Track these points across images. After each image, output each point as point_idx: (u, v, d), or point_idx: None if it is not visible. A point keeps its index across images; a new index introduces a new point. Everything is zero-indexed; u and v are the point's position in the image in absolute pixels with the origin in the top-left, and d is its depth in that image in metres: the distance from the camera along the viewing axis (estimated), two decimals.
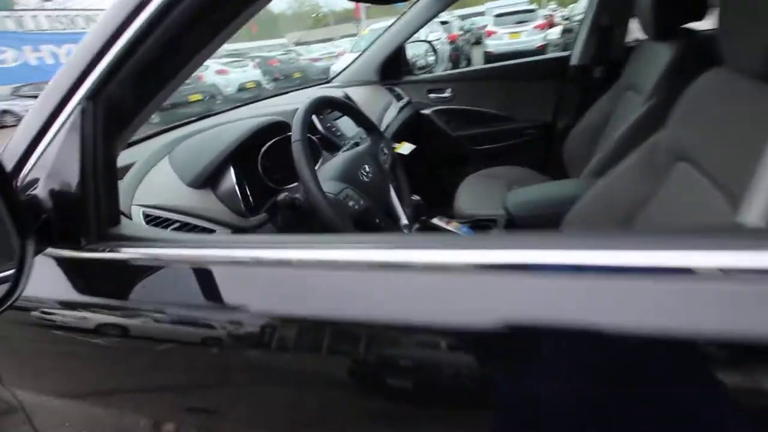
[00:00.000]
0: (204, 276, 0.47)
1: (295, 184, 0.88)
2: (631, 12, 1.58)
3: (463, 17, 13.33)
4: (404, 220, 0.93)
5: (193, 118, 1.33)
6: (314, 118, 1.16)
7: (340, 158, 0.85)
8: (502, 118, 1.89)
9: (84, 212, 0.54)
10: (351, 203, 0.76)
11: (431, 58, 2.20)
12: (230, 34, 0.50)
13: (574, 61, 1.68)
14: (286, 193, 0.79)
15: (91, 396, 0.63)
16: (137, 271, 0.52)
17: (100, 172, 0.54)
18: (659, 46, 1.23)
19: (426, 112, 1.89)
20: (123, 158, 0.90)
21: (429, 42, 2.07)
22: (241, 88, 11.46)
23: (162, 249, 0.52)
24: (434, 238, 0.43)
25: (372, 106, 1.64)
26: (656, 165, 0.81)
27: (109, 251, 0.54)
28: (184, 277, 0.49)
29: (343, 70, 1.88)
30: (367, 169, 0.86)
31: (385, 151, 0.95)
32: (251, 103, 1.49)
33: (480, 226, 1.35)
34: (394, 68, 1.89)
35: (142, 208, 0.70)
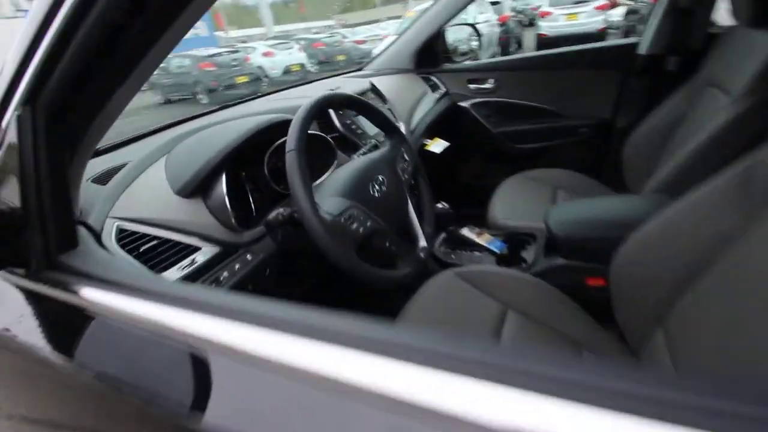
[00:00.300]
0: (139, 343, 0.37)
1: None
2: None
3: None
4: (422, 242, 0.79)
5: (210, 109, 1.25)
6: (332, 114, 1.04)
7: (350, 168, 0.73)
8: (551, 114, 1.68)
9: (28, 234, 0.46)
10: (355, 225, 0.64)
11: (474, 44, 2.00)
12: (186, 26, 0.39)
13: (643, 49, 1.43)
14: (281, 210, 0.67)
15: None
16: (76, 317, 0.43)
17: (46, 186, 0.45)
18: (756, 34, 0.99)
19: (464, 104, 1.71)
20: (116, 158, 0.83)
21: (472, 25, 1.87)
22: (287, 71, 11.56)
23: (107, 292, 0.42)
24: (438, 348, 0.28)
25: (403, 97, 1.49)
26: (752, 194, 0.62)
27: (51, 286, 0.45)
28: (116, 333, 0.40)
29: (375, 57, 1.73)
30: (381, 180, 0.73)
31: (406, 157, 0.82)
32: (271, 93, 1.39)
33: (515, 240, 1.19)
34: (431, 55, 1.72)
35: (117, 222, 0.62)
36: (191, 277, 0.64)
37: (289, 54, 12.15)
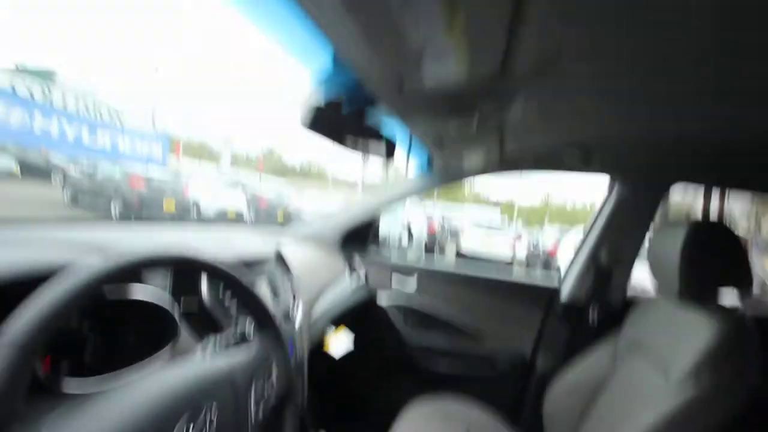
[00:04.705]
0: None
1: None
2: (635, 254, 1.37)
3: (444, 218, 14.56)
4: None
5: None
6: (202, 279, 0.74)
7: (150, 387, 0.38)
8: (470, 337, 1.50)
9: None
10: None
11: (405, 245, 1.95)
12: None
13: (564, 297, 1.39)
14: None
15: None
16: None
17: None
18: (688, 314, 0.92)
19: (382, 303, 1.50)
20: None
21: (408, 227, 1.84)
22: (221, 214, 11.19)
23: None
24: None
25: (317, 273, 1.26)
26: None
27: None
28: None
29: (304, 222, 1.57)
30: (202, 420, 0.39)
31: (275, 373, 0.50)
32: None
33: None
34: (359, 238, 1.59)
35: None
36: None
37: (231, 197, 12.02)
